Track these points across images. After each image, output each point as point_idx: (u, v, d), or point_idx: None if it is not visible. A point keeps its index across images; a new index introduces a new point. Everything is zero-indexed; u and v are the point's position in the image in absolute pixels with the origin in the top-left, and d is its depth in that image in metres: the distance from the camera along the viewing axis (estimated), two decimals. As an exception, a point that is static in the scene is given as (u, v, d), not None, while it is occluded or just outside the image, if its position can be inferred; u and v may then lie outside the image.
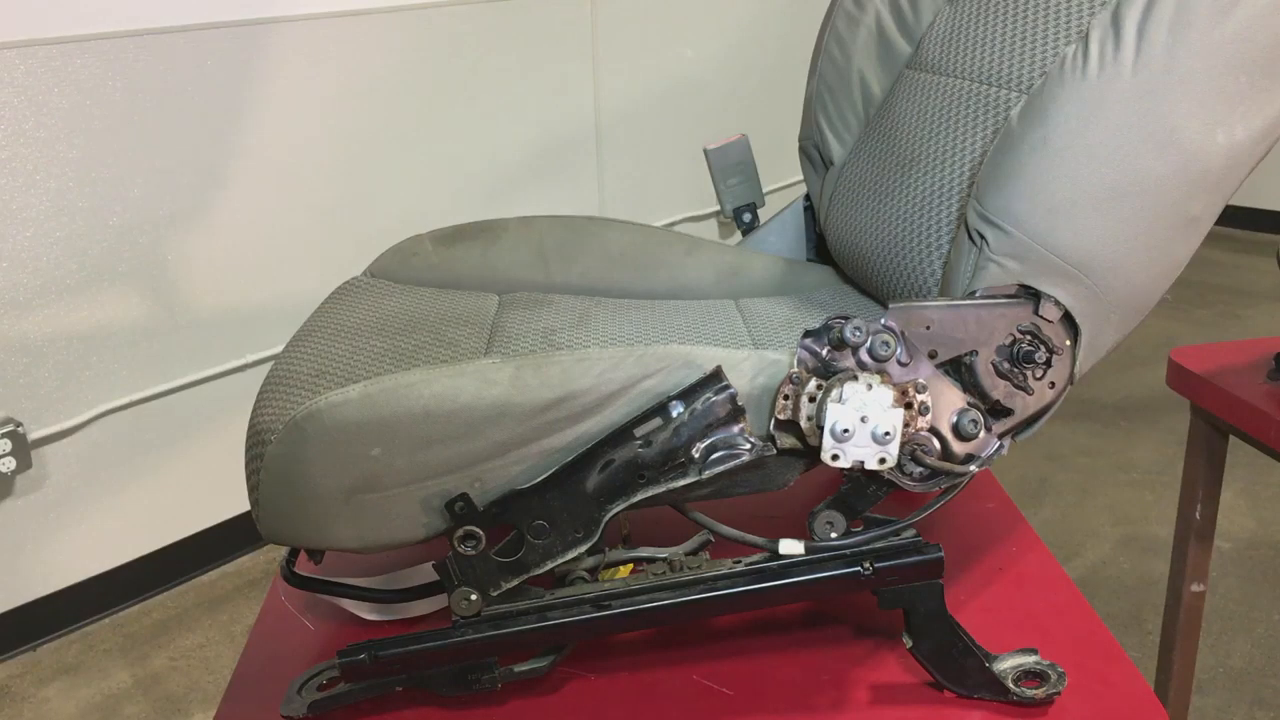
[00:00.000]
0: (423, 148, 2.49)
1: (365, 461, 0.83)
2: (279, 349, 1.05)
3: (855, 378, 0.83)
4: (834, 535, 0.89)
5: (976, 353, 0.87)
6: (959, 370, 0.88)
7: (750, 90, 3.18)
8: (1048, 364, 0.89)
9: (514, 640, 0.89)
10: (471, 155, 2.59)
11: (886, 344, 0.85)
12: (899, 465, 0.85)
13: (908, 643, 0.91)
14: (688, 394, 0.84)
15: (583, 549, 0.85)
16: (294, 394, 0.91)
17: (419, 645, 0.88)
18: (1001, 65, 1.07)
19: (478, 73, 2.56)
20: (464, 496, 0.84)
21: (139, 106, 1.99)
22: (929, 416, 0.85)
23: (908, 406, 0.84)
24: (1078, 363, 0.90)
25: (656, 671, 0.97)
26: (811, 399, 0.84)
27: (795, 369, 0.84)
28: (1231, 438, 1.38)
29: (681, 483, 0.84)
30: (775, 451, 0.85)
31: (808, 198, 1.38)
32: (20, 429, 1.92)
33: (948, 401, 0.87)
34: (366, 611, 1.06)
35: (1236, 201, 0.94)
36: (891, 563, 0.89)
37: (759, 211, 1.45)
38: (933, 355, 0.87)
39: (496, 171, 2.67)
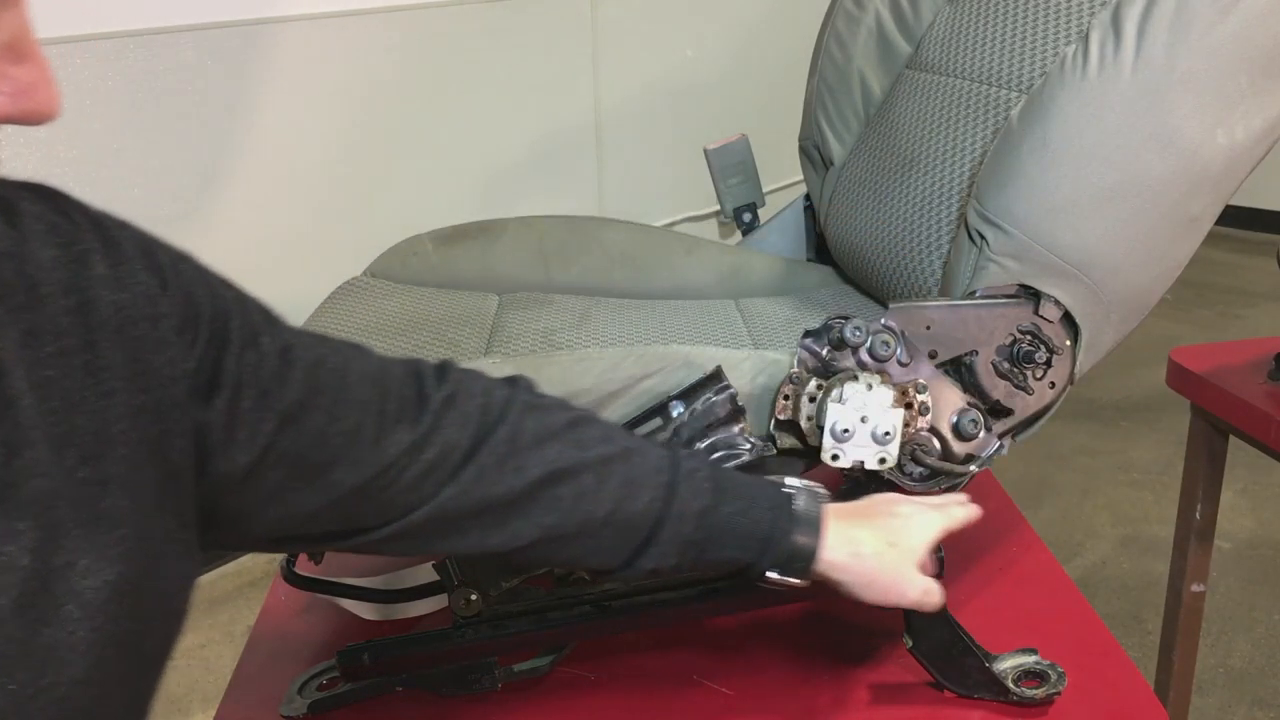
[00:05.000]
0: (423, 148, 2.49)
1: (365, 461, 0.83)
2: (279, 349, 1.05)
3: (855, 378, 0.83)
4: (834, 535, 0.89)
5: (977, 353, 0.87)
6: (959, 370, 0.88)
7: (750, 90, 3.18)
8: (1048, 364, 0.89)
9: (514, 640, 0.89)
10: (471, 155, 2.59)
11: (886, 344, 0.85)
12: (899, 465, 0.85)
13: (908, 643, 0.91)
14: (688, 394, 0.84)
15: (583, 549, 0.85)
16: (294, 394, 0.91)
17: (419, 645, 0.88)
18: (1001, 65, 1.07)
19: (478, 73, 2.55)
20: (464, 496, 0.83)
21: (139, 106, 1.99)
22: (929, 416, 0.85)
23: (908, 406, 0.84)
24: (1078, 363, 0.90)
25: (656, 671, 0.97)
26: (811, 399, 0.84)
27: (795, 369, 0.84)
28: (1231, 438, 1.38)
29: (681, 483, 0.84)
30: (775, 451, 0.85)
31: (808, 198, 1.38)
32: (20, 429, 1.92)
33: (948, 401, 0.87)
34: (366, 611, 1.06)
35: (1236, 201, 0.94)
36: (891, 563, 0.88)
37: (759, 211, 1.44)
38: (933, 355, 0.87)
39: (496, 171, 2.66)
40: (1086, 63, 0.88)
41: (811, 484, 0.77)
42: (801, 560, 0.73)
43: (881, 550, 0.75)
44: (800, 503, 0.74)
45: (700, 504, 0.70)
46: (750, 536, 0.72)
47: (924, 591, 0.77)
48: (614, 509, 0.68)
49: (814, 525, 0.73)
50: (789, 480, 0.76)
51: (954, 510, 0.81)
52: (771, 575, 0.74)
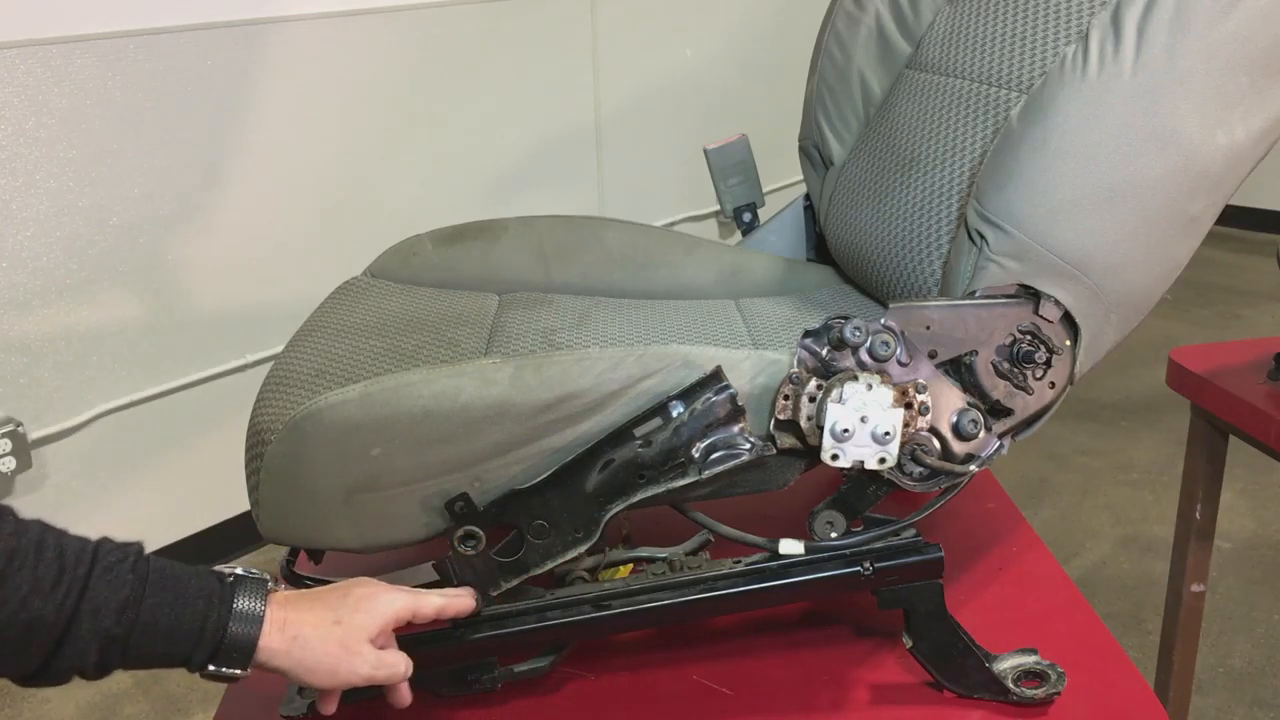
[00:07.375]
0: (423, 148, 2.49)
1: (365, 461, 0.83)
2: (279, 349, 1.05)
3: (855, 378, 0.83)
4: (834, 535, 0.89)
5: (976, 353, 0.87)
6: (959, 370, 0.88)
7: (750, 90, 3.18)
8: (1048, 364, 0.89)
9: (514, 640, 0.89)
10: (471, 155, 2.59)
11: (886, 344, 0.85)
12: (899, 465, 0.85)
13: (908, 643, 0.91)
14: (688, 394, 0.84)
15: (583, 549, 0.85)
16: (294, 394, 0.91)
17: (419, 645, 0.88)
18: (1001, 65, 1.07)
19: (478, 73, 2.56)
20: (464, 496, 0.84)
21: (139, 106, 1.99)
22: (929, 416, 0.85)
23: (908, 406, 0.84)
24: (1078, 363, 0.90)
25: (656, 671, 0.97)
26: (811, 399, 0.84)
27: (795, 369, 0.84)
28: (1231, 438, 1.38)
29: (681, 483, 0.84)
30: (775, 451, 0.85)
31: (808, 197, 1.38)
32: (20, 429, 1.92)
33: (948, 401, 0.87)
34: (366, 611, 1.06)
35: (1236, 201, 0.94)
36: (891, 563, 0.89)
37: (759, 211, 1.44)
38: (933, 355, 0.87)
39: (496, 171, 2.66)
40: (1086, 63, 0.88)
41: (256, 571, 0.75)
42: (239, 651, 0.72)
43: (325, 632, 0.74)
44: (240, 593, 0.73)
45: (120, 596, 0.67)
46: (179, 630, 0.70)
47: (375, 666, 0.76)
48: (18, 608, 0.64)
49: (253, 616, 0.72)
50: (238, 570, 0.75)
51: (430, 598, 0.80)
52: (210, 668, 0.72)
